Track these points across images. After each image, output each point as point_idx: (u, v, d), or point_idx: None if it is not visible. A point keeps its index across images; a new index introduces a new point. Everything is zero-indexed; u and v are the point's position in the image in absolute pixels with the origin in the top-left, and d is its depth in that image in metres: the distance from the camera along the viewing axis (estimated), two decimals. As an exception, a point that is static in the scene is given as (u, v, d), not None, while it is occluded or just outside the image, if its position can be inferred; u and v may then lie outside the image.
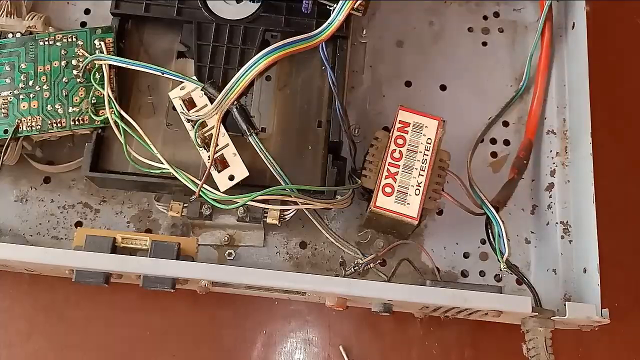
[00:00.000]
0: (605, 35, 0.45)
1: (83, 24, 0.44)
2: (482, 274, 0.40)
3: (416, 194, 0.35)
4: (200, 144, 0.34)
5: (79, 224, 0.40)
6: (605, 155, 0.39)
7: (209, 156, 0.34)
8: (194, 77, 0.37)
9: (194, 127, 0.35)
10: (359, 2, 0.33)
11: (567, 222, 0.39)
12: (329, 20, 0.33)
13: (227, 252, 0.39)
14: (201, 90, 0.35)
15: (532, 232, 0.40)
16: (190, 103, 0.36)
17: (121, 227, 0.39)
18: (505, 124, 0.43)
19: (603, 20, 0.44)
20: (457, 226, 0.40)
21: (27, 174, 0.40)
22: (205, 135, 0.35)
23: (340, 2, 0.32)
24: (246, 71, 0.32)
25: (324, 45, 0.35)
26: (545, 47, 0.42)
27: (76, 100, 0.37)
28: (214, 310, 0.40)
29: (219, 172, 0.34)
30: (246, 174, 0.34)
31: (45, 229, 0.40)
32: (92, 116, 0.36)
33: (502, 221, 0.35)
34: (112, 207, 0.40)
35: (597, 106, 0.39)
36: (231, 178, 0.35)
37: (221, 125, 0.35)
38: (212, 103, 0.35)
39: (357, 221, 0.40)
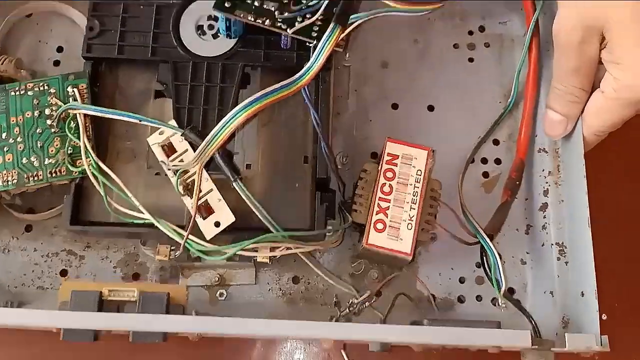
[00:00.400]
0: None
1: (56, 63, 0.42)
2: (479, 298, 0.39)
3: (409, 229, 0.35)
4: (182, 192, 0.33)
5: (64, 273, 0.39)
6: (605, 156, 0.38)
7: (192, 205, 0.33)
8: (173, 121, 0.35)
9: (175, 174, 0.34)
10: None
11: (562, 243, 0.39)
12: (308, 64, 0.32)
13: (218, 292, 0.38)
14: (181, 136, 0.34)
15: (527, 253, 0.40)
16: (170, 148, 0.35)
17: (108, 273, 0.38)
18: (496, 142, 0.42)
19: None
20: (451, 251, 0.39)
21: (7, 224, 0.39)
22: (188, 182, 0.33)
23: (320, 43, 0.31)
24: (225, 125, 0.31)
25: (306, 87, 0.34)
26: (533, 63, 0.41)
27: (52, 151, 0.35)
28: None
29: (204, 219, 0.33)
30: (232, 219, 0.33)
31: (30, 279, 0.39)
32: (69, 167, 0.35)
33: (499, 254, 0.34)
34: (97, 252, 0.39)
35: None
36: (217, 224, 0.34)
37: (204, 170, 0.33)
38: (192, 147, 0.34)
39: (349, 252, 0.39)
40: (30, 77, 0.41)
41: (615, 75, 0.34)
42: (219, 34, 0.38)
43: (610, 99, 0.35)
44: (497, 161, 0.42)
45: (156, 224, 0.32)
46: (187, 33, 0.37)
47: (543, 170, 0.40)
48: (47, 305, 0.37)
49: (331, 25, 0.32)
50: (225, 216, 0.33)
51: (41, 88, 0.36)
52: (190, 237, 0.32)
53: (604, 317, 0.38)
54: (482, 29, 0.44)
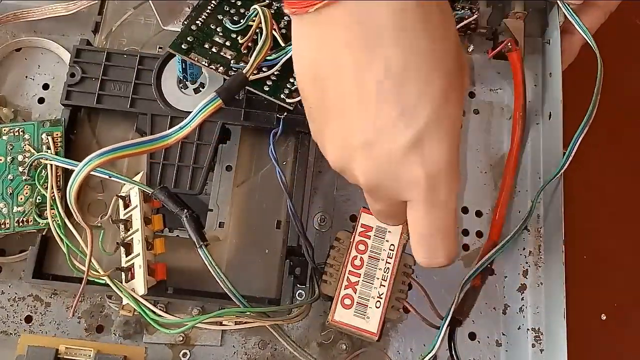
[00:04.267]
0: (604, 36, 0.43)
1: (41, 100, 0.42)
2: (449, 378, 0.38)
3: (377, 307, 0.34)
4: (118, 244, 0.33)
5: (28, 319, 0.38)
6: (605, 155, 0.38)
7: (120, 268, 0.32)
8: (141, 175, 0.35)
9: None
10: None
11: (538, 329, 0.37)
12: (179, 126, 0.30)
13: (181, 352, 0.37)
14: (150, 195, 0.33)
15: (503, 334, 0.38)
16: (129, 199, 0.34)
17: (72, 323, 0.38)
18: (479, 213, 0.41)
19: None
20: (423, 327, 0.38)
21: (-24, 265, 0.39)
22: (127, 239, 0.33)
23: (195, 110, 0.30)
24: (78, 173, 0.30)
25: (273, 145, 0.33)
26: (515, 140, 0.39)
27: (21, 199, 0.35)
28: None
29: (127, 282, 0.32)
30: (142, 292, 0.32)
31: (-6, 323, 0.38)
32: (36, 218, 0.34)
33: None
34: (63, 300, 0.38)
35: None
36: (133, 291, 0.32)
37: (140, 227, 0.32)
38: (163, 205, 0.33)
39: (320, 319, 0.38)
40: (13, 115, 0.40)
41: None
42: (200, 89, 0.37)
43: None
44: (479, 234, 0.40)
45: (113, 287, 0.32)
46: (169, 85, 0.37)
47: (524, 249, 0.39)
48: (7, 352, 0.36)
49: (211, 95, 0.31)
50: (138, 286, 0.32)
51: (16, 133, 0.36)
52: (148, 305, 0.31)
53: (603, 317, 0.37)
54: (472, 95, 0.43)
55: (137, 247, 0.32)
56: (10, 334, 0.38)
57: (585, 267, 0.36)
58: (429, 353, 0.33)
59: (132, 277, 0.32)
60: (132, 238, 0.33)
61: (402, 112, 0.24)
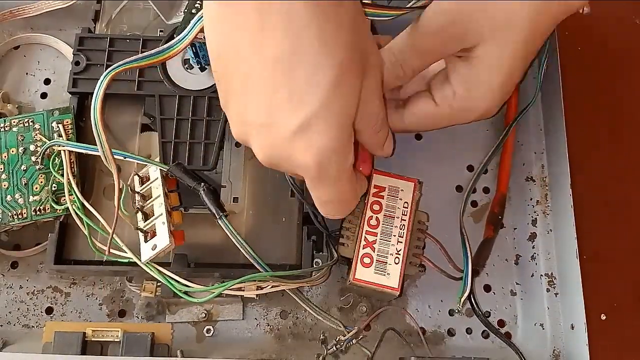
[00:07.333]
0: (604, 35, 0.44)
1: (43, 95, 0.42)
2: (469, 331, 0.39)
3: (396, 263, 0.34)
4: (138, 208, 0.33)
5: (49, 310, 0.38)
6: (605, 156, 0.38)
7: (139, 228, 0.33)
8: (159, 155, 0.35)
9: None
10: None
11: (551, 274, 0.38)
12: (180, 36, 0.30)
13: (205, 329, 0.38)
14: (167, 172, 0.34)
15: (517, 284, 0.39)
16: (147, 178, 0.35)
17: (93, 310, 0.38)
18: (484, 170, 0.42)
19: (603, 20, 0.43)
20: (440, 283, 0.39)
21: (-7, 261, 0.39)
22: (145, 207, 0.33)
23: (197, 16, 0.29)
24: (97, 94, 0.30)
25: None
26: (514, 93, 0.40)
27: (36, 188, 0.35)
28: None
29: (146, 241, 0.33)
30: (166, 242, 0.32)
31: (15, 318, 0.38)
32: (53, 205, 0.34)
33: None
34: (82, 289, 0.38)
35: (596, 107, 0.39)
36: (154, 247, 0.33)
37: (162, 193, 0.33)
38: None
39: (338, 284, 0.39)
40: (17, 110, 0.41)
41: (460, 93, 0.31)
42: (206, 67, 0.38)
43: (442, 113, 0.32)
44: (486, 190, 0.41)
45: (139, 263, 0.32)
46: (174, 66, 0.38)
47: (531, 199, 0.40)
48: (32, 344, 0.36)
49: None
50: (161, 239, 0.32)
51: (26, 124, 0.36)
52: (174, 276, 0.32)
53: (603, 317, 0.37)
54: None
55: (159, 209, 0.33)
56: (32, 326, 0.38)
57: (585, 267, 0.36)
58: (463, 294, 0.35)
59: (153, 236, 0.33)
60: (152, 205, 0.33)
61: (291, 97, 0.25)
